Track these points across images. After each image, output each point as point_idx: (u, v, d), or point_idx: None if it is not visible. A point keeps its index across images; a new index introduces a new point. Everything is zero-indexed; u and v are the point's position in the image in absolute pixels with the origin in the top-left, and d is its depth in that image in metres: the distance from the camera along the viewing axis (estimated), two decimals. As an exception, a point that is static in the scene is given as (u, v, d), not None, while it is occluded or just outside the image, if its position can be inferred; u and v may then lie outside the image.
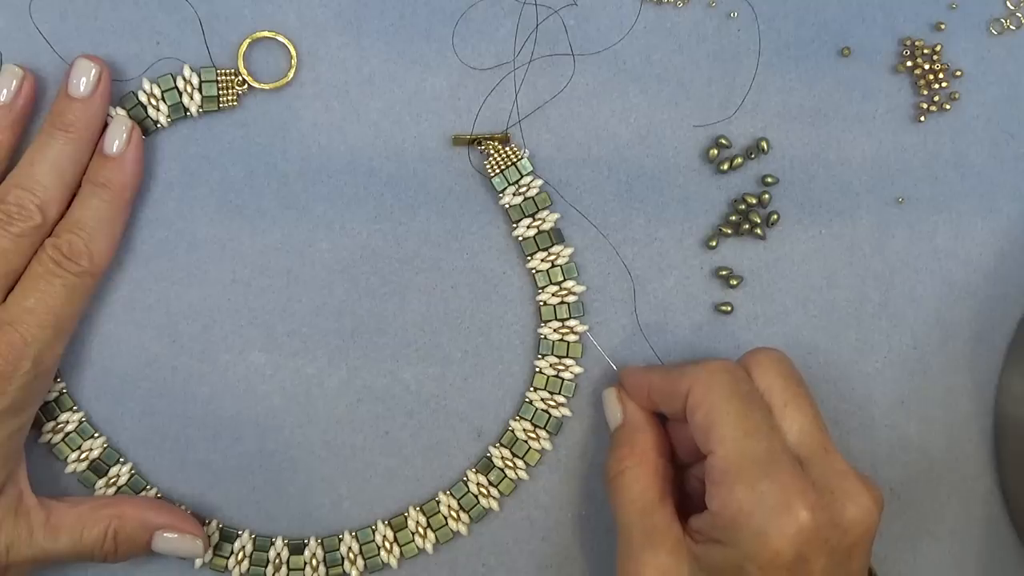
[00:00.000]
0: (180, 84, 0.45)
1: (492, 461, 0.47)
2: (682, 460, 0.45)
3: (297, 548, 0.46)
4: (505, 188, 0.46)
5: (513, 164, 0.46)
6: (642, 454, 0.43)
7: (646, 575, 0.41)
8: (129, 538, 0.43)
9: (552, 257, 0.46)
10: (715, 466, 0.40)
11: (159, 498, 0.46)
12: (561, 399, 0.47)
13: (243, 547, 0.46)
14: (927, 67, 0.47)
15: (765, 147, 0.47)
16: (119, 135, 0.43)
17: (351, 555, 0.46)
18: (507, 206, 0.46)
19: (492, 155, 0.46)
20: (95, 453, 0.45)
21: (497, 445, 0.47)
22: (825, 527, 0.39)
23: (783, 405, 0.41)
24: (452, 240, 0.47)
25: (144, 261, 0.46)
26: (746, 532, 0.39)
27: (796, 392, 0.42)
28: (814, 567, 0.39)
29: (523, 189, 0.46)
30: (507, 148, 0.46)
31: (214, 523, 0.46)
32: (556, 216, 0.46)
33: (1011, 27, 0.48)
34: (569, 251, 0.47)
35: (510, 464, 0.47)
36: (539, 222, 0.46)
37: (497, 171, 0.46)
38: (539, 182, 0.46)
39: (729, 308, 0.47)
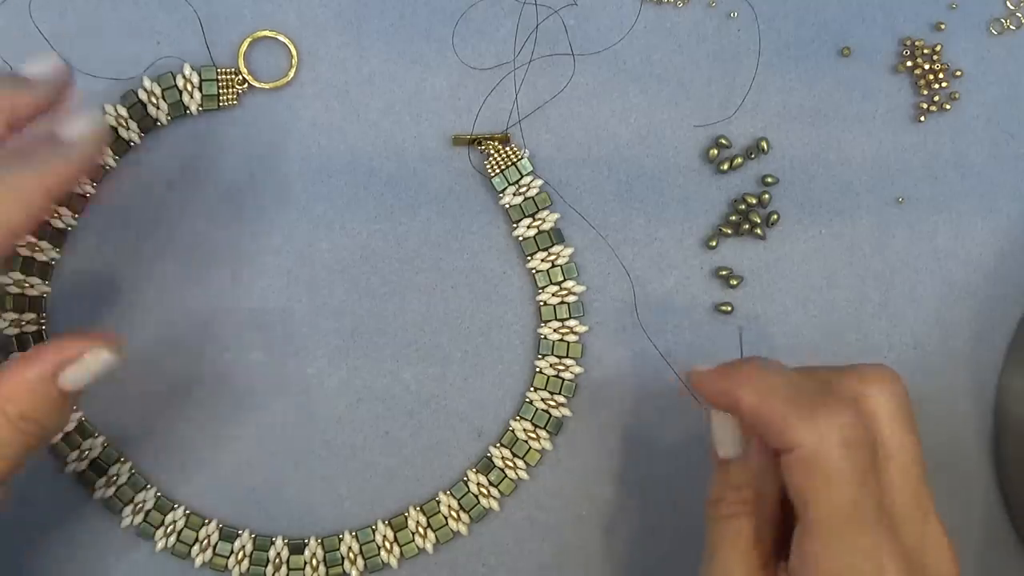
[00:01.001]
0: (180, 83, 0.45)
1: (492, 461, 0.47)
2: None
3: (297, 548, 0.46)
4: (505, 188, 0.46)
5: (513, 164, 0.46)
6: (759, 503, 0.39)
7: None
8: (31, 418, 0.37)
9: (552, 257, 0.46)
10: (811, 519, 0.35)
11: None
12: (561, 399, 0.47)
13: (243, 547, 0.46)
14: (927, 67, 0.47)
15: (765, 147, 0.47)
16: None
17: (351, 555, 0.46)
18: (507, 206, 0.46)
19: (492, 155, 0.46)
20: (95, 452, 0.45)
21: (497, 445, 0.47)
22: None
23: (887, 459, 0.37)
24: (452, 240, 0.47)
25: (143, 260, 0.46)
26: None
27: (906, 440, 0.37)
28: None
29: (523, 189, 0.46)
30: (507, 148, 0.46)
31: (214, 523, 0.46)
32: (556, 216, 0.46)
33: (1011, 27, 0.48)
34: (569, 251, 0.47)
35: (510, 464, 0.47)
36: (539, 222, 0.46)
37: (497, 171, 0.46)
38: (539, 182, 0.46)
39: (729, 308, 0.47)
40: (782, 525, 0.39)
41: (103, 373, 0.38)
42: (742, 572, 0.38)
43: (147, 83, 0.45)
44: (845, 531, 0.35)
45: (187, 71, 0.45)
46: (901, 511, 0.37)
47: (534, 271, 0.47)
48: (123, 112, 0.45)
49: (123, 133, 0.45)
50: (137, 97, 0.45)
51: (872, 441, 0.36)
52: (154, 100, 0.45)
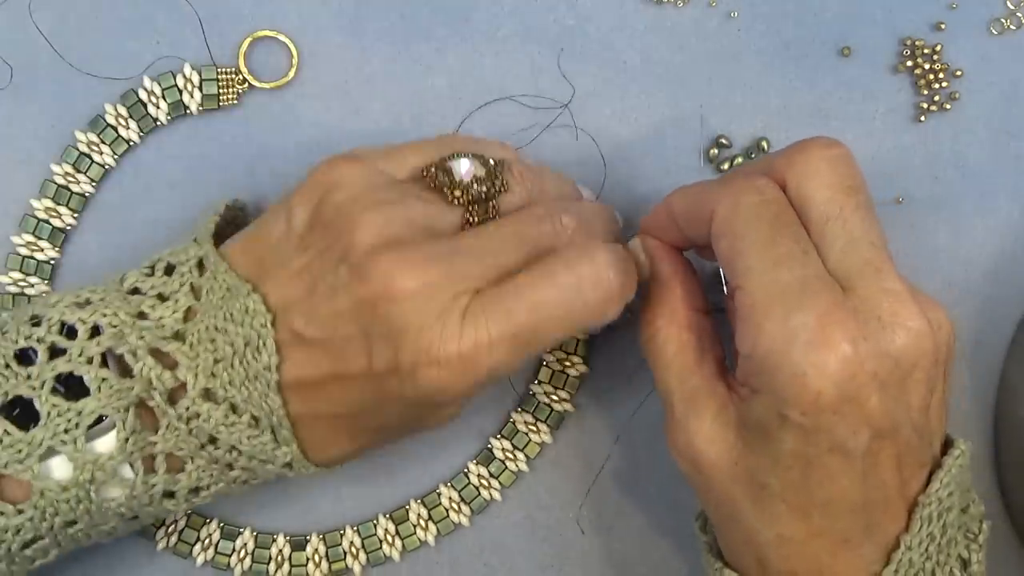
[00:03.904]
0: (180, 82, 0.45)
1: (493, 453, 0.47)
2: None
3: (299, 544, 0.46)
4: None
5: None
6: (671, 312, 0.39)
7: (696, 443, 0.37)
8: None
9: None
10: (742, 302, 0.35)
11: None
12: (564, 394, 0.47)
13: (244, 544, 0.46)
14: (927, 67, 0.47)
15: (765, 147, 0.47)
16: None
17: (353, 549, 0.46)
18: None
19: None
20: (96, 452, 0.45)
21: (498, 437, 0.47)
22: (871, 359, 0.34)
23: (823, 221, 0.36)
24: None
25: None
26: (782, 374, 0.34)
27: (842, 203, 0.36)
28: (866, 406, 0.34)
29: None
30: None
31: (215, 522, 0.46)
32: None
33: (1011, 27, 0.48)
34: None
35: (511, 456, 0.47)
36: None
37: None
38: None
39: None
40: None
41: None
42: (675, 376, 0.38)
43: (147, 83, 0.45)
44: (772, 308, 0.34)
45: (187, 71, 0.45)
46: (849, 270, 0.35)
47: None
48: (123, 112, 0.45)
49: (123, 133, 0.45)
50: (137, 97, 0.45)
51: (793, 215, 0.36)
52: (154, 100, 0.45)
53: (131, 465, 0.38)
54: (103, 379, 0.37)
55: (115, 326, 0.38)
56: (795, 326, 0.34)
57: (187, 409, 0.38)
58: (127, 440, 0.37)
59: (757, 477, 0.36)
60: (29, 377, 0.38)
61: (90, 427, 0.37)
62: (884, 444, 0.35)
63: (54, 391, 0.38)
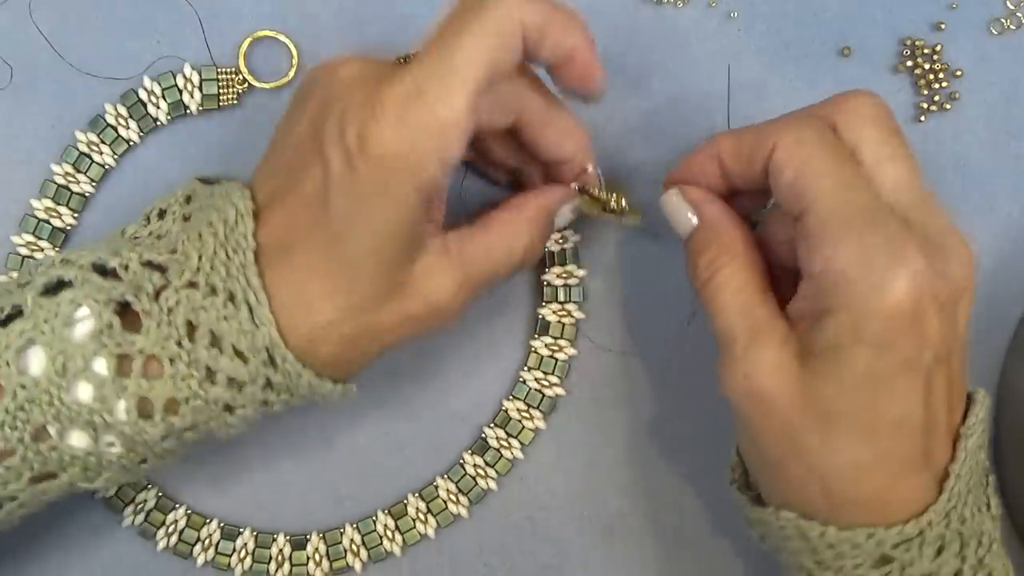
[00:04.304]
0: (180, 82, 0.45)
1: (487, 442, 0.47)
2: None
3: (299, 544, 0.46)
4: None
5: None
6: (732, 249, 0.39)
7: (758, 376, 0.37)
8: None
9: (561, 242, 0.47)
10: (814, 224, 0.36)
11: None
12: (555, 379, 0.47)
13: (245, 544, 0.46)
14: (927, 67, 0.47)
15: (765, 147, 0.47)
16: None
17: (353, 547, 0.46)
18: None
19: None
20: (96, 452, 0.45)
21: (491, 426, 0.47)
22: (935, 280, 0.35)
23: (876, 161, 0.38)
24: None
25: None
26: (860, 287, 0.35)
27: (893, 143, 0.38)
28: (930, 324, 0.35)
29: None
30: None
31: (215, 522, 0.46)
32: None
33: (1011, 27, 0.48)
34: (576, 238, 0.47)
35: (504, 444, 0.47)
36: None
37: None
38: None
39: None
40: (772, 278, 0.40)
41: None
42: (737, 311, 0.38)
43: (147, 83, 0.45)
44: (849, 226, 0.36)
45: (187, 71, 0.45)
46: (906, 203, 0.37)
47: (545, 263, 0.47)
48: (123, 112, 0.45)
49: (123, 133, 0.45)
50: (137, 97, 0.45)
51: (850, 147, 0.38)
52: (154, 100, 0.45)
53: (106, 362, 0.37)
54: (87, 279, 0.37)
55: (111, 250, 0.38)
56: (871, 243, 0.35)
57: (168, 300, 0.37)
58: (101, 332, 0.37)
59: (825, 404, 0.36)
60: (23, 286, 0.38)
61: (72, 323, 0.37)
62: (940, 368, 0.37)
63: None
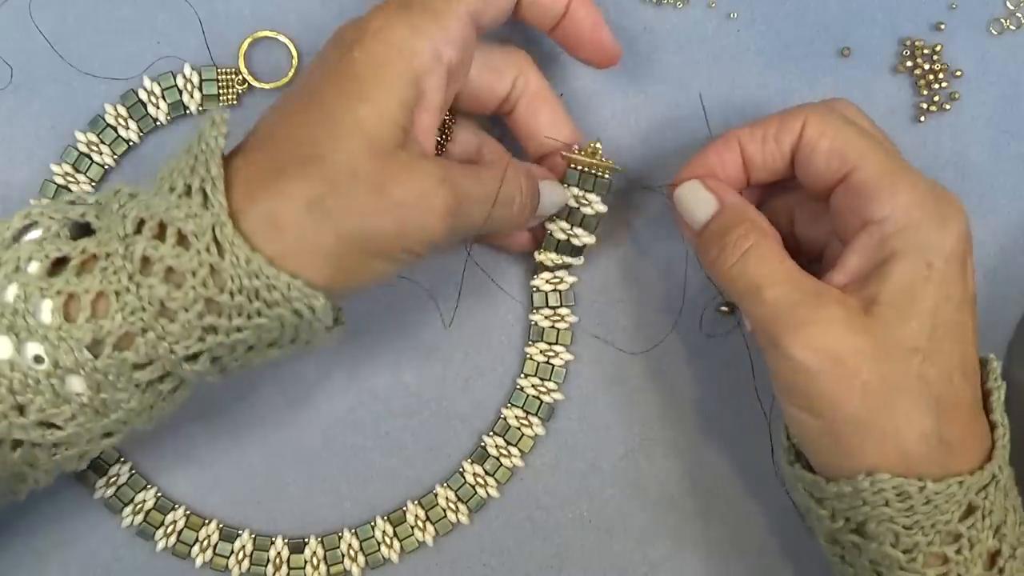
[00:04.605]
0: (180, 83, 0.45)
1: (487, 450, 0.47)
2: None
3: (297, 547, 0.46)
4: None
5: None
6: (759, 230, 0.40)
7: (831, 335, 0.37)
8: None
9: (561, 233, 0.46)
10: (867, 177, 0.38)
11: None
12: (552, 385, 0.47)
13: (243, 546, 0.46)
14: (927, 67, 0.47)
15: (765, 147, 0.47)
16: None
17: (351, 552, 0.46)
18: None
19: None
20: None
21: (491, 434, 0.47)
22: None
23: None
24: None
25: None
26: (928, 223, 0.38)
27: (879, 132, 0.41)
28: (968, 265, 0.39)
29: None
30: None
31: (214, 523, 0.46)
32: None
33: (1011, 27, 0.48)
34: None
35: (504, 452, 0.47)
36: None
37: None
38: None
39: (727, 309, 0.47)
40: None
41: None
42: (782, 279, 0.38)
43: (147, 83, 0.45)
44: (905, 173, 0.38)
45: (187, 71, 0.45)
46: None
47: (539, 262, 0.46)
48: (123, 112, 0.45)
49: (123, 133, 0.45)
50: (137, 97, 0.45)
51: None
52: (154, 100, 0.45)
53: (39, 265, 0.35)
54: (52, 216, 0.36)
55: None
56: (925, 189, 0.38)
57: (125, 205, 0.35)
58: (44, 239, 0.35)
59: (903, 348, 0.37)
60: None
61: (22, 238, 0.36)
62: (974, 311, 0.39)
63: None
